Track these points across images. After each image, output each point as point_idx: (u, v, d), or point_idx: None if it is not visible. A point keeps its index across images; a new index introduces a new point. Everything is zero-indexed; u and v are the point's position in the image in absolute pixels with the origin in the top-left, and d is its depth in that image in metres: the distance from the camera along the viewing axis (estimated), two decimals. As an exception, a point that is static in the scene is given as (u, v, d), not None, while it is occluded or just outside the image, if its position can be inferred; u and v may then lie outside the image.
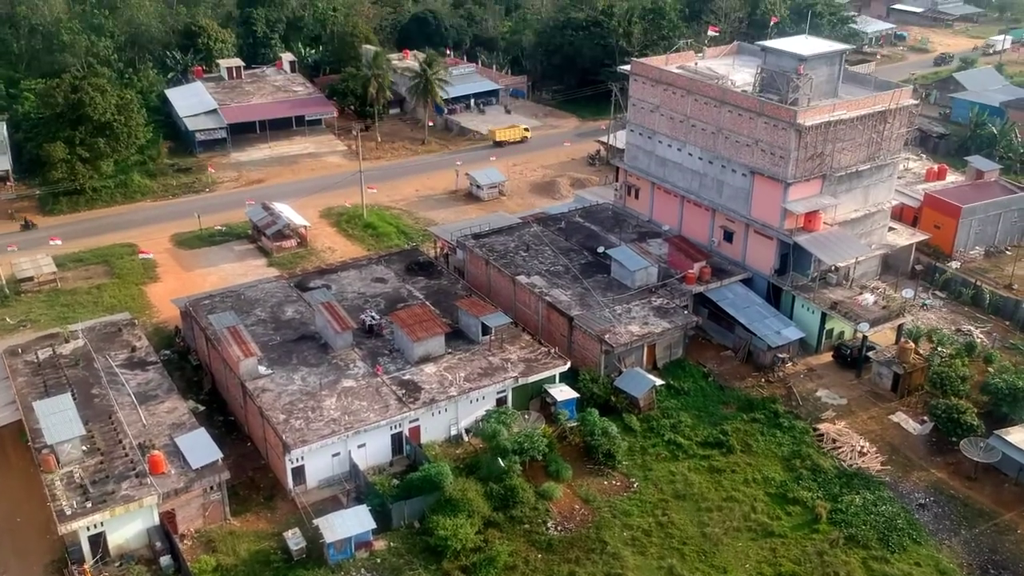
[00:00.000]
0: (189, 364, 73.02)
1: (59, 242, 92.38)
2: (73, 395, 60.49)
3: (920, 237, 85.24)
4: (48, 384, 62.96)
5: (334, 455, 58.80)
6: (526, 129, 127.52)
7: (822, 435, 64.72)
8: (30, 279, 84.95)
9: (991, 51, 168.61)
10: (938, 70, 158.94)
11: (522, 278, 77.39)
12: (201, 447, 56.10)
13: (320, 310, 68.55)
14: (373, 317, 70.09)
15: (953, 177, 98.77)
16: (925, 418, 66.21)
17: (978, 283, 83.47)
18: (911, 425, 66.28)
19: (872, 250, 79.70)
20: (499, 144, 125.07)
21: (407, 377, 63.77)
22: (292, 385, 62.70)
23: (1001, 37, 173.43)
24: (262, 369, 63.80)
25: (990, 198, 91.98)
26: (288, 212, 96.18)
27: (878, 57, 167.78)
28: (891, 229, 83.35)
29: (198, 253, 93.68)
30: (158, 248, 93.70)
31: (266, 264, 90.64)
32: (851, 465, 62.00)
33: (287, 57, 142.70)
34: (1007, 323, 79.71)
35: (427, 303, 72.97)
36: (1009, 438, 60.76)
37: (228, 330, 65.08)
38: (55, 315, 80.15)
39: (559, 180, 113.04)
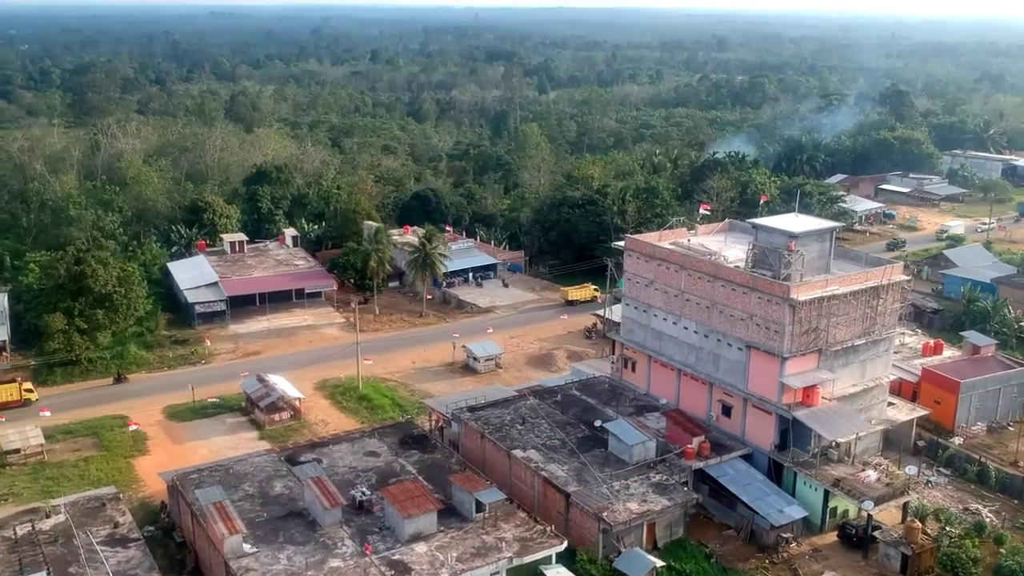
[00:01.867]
0: (173, 541, 70.52)
1: (48, 413, 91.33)
2: (49, 574, 58.06)
3: (920, 412, 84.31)
4: (24, 562, 60.57)
5: (318, 641, 55.91)
6: (596, 289, 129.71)
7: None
8: (17, 451, 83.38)
9: (977, 230, 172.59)
10: (930, 247, 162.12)
11: (518, 452, 75.94)
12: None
13: (309, 485, 66.82)
14: (364, 492, 68.26)
15: (950, 352, 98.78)
16: (938, 603, 63.37)
17: (983, 460, 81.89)
18: (924, 610, 63.38)
19: (872, 425, 78.62)
20: (570, 303, 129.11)
21: (397, 557, 61.40)
22: (277, 565, 60.28)
23: (1014, 215, 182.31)
24: (247, 547, 61.52)
25: (988, 373, 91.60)
26: (283, 384, 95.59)
27: (867, 235, 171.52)
28: (891, 404, 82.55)
29: (190, 426, 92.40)
30: (150, 420, 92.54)
31: (258, 437, 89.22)
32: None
33: (290, 232, 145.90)
34: (1015, 502, 77.61)
35: (420, 478, 71.24)
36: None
37: (214, 506, 63.21)
38: (39, 488, 78.16)
39: (556, 353, 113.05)
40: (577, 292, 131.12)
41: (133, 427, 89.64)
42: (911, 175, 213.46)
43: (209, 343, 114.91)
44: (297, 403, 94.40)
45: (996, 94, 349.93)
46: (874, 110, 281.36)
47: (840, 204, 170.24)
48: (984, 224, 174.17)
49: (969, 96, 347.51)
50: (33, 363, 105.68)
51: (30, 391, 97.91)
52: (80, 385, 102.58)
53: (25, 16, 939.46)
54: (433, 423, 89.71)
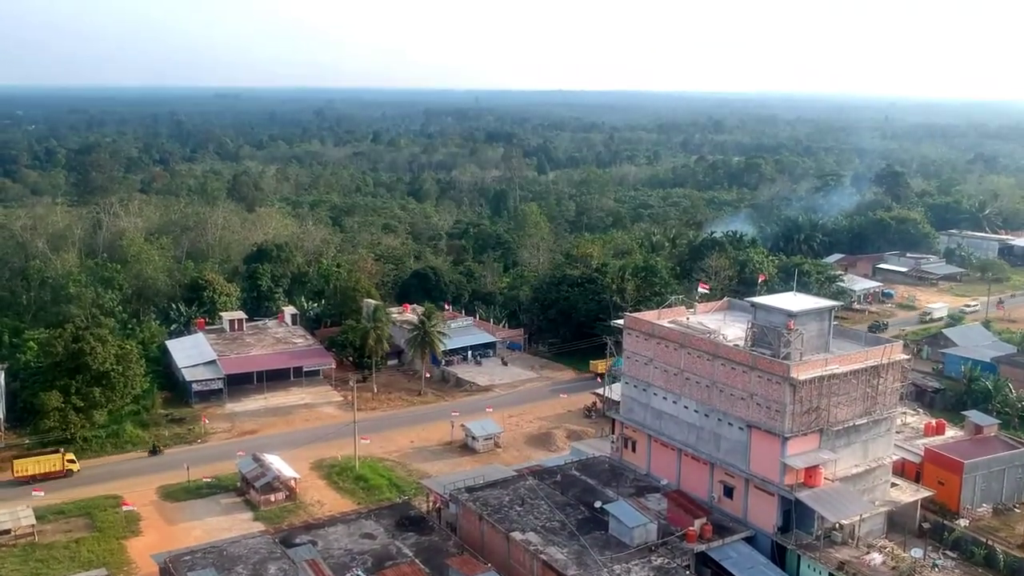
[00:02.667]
0: (163, 626, 68.94)
1: (42, 493, 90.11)
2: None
3: (924, 493, 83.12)
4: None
5: None
6: None
7: None
8: (7, 532, 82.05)
9: (962, 311, 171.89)
10: (928, 326, 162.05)
11: (516, 534, 74.66)
12: None
13: (304, 568, 65.57)
14: (359, 576, 66.99)
15: (952, 432, 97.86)
16: None
17: (990, 543, 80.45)
18: None
19: (876, 507, 77.46)
20: (599, 375, 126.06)
21: (393, 642, 59.89)
22: (269, 651, 58.74)
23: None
24: (239, 633, 60.04)
25: (992, 453, 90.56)
26: (279, 464, 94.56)
27: (866, 314, 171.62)
28: (894, 485, 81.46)
29: (184, 506, 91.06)
30: (144, 500, 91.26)
31: (252, 518, 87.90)
32: None
33: (289, 310, 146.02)
34: (1024, 586, 75.96)
35: (417, 562, 69.91)
36: None
37: (206, 589, 61.90)
38: (28, 571, 76.74)
39: (555, 432, 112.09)
40: (605, 366, 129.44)
41: (127, 508, 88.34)
42: (908, 254, 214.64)
43: (206, 422, 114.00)
44: (293, 483, 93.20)
45: (990, 175, 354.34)
46: (870, 190, 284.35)
47: (838, 283, 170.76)
48: (968, 306, 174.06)
49: (963, 177, 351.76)
50: (27, 441, 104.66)
51: (72, 462, 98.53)
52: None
53: (33, 97, 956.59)
54: (431, 504, 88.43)
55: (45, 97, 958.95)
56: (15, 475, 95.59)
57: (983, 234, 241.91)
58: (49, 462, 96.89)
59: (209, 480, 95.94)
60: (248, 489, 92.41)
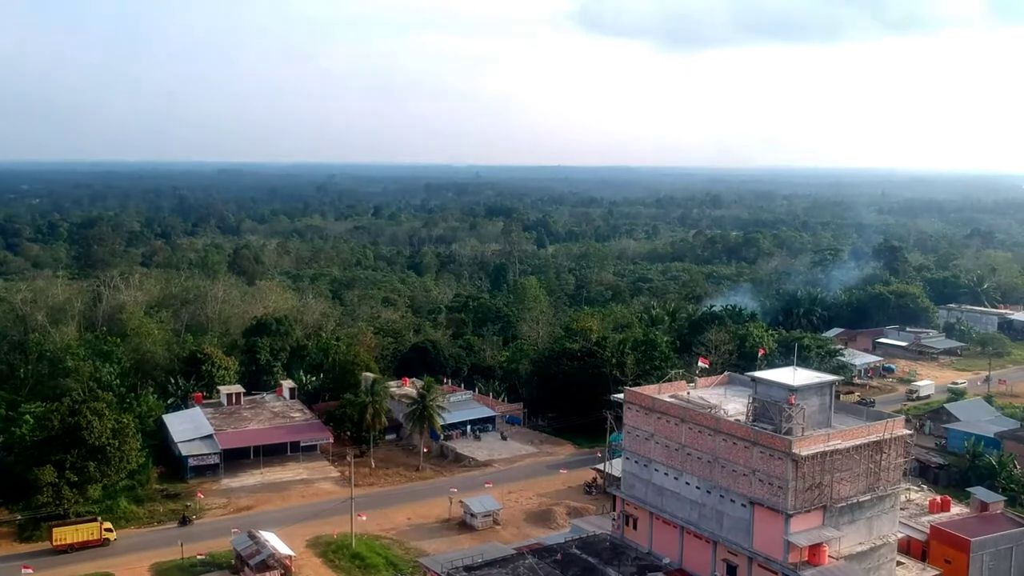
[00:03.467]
0: None
1: (31, 571, 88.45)
2: None
3: (931, 572, 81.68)
4: None
5: None
6: None
7: None
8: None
9: (949, 388, 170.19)
10: (929, 401, 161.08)
11: (516, 615, 73.11)
12: None
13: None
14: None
15: (957, 509, 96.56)
16: None
17: (999, 623, 78.78)
18: None
19: (883, 586, 76.04)
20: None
21: None
22: None
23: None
24: None
25: (998, 531, 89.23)
26: (274, 541, 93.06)
27: (867, 388, 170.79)
28: (900, 563, 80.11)
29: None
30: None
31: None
32: None
33: (287, 384, 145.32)
34: (1036, 669, 74.14)
35: (414, 642, 68.28)
36: None
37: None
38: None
39: (555, 509, 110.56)
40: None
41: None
42: (908, 329, 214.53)
43: (201, 497, 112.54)
44: (288, 561, 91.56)
45: (987, 249, 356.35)
46: (868, 265, 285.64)
47: (839, 358, 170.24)
48: (956, 383, 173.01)
49: (961, 251, 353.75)
50: (19, 518, 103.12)
51: (109, 531, 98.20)
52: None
53: (38, 172, 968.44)
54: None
55: (50, 173, 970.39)
56: (54, 544, 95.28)
57: (982, 308, 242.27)
58: (87, 530, 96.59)
59: (203, 557, 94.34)
60: (243, 567, 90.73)
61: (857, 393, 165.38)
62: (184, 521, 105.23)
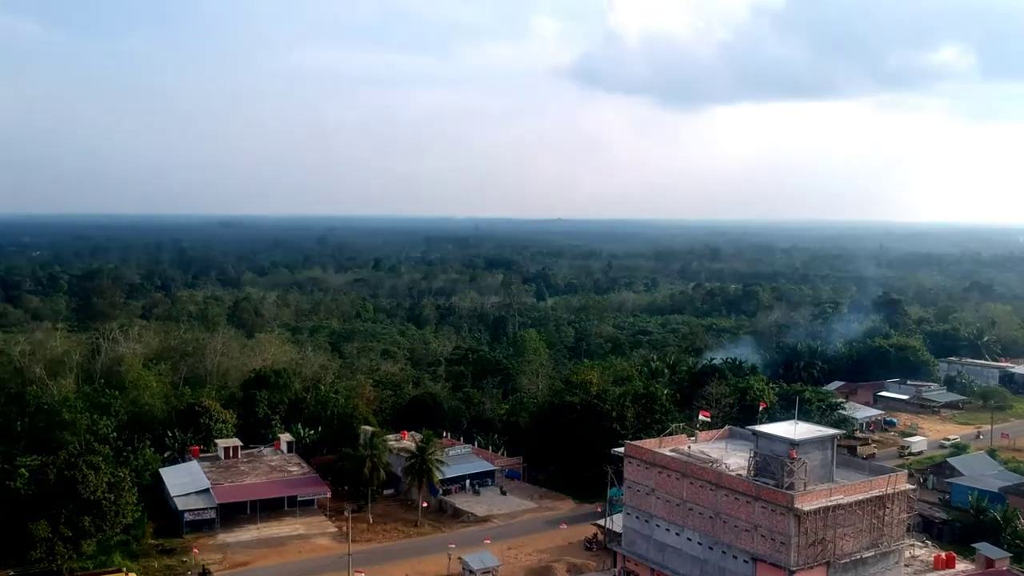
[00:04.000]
0: None
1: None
2: None
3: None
4: None
5: None
6: None
7: None
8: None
9: (941, 445, 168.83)
10: (933, 454, 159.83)
11: (515, 674, 71.81)
12: None
13: None
14: None
15: (962, 565, 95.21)
16: None
17: None
18: None
19: (888, 645, 74.81)
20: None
21: None
22: None
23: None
24: None
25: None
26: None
27: (869, 442, 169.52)
28: (906, 622, 78.91)
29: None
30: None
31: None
32: None
33: (285, 438, 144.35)
34: None
35: None
36: None
37: None
38: None
39: (555, 566, 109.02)
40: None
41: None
42: (909, 382, 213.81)
43: (197, 552, 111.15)
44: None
45: (987, 302, 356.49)
46: (868, 318, 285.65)
47: (840, 411, 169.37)
48: (948, 439, 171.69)
49: (960, 304, 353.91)
50: (12, 573, 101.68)
51: None
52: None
53: (40, 224, 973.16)
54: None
55: (52, 224, 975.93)
56: None
57: (983, 362, 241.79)
58: None
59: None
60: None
61: (873, 446, 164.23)
62: (204, 574, 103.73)
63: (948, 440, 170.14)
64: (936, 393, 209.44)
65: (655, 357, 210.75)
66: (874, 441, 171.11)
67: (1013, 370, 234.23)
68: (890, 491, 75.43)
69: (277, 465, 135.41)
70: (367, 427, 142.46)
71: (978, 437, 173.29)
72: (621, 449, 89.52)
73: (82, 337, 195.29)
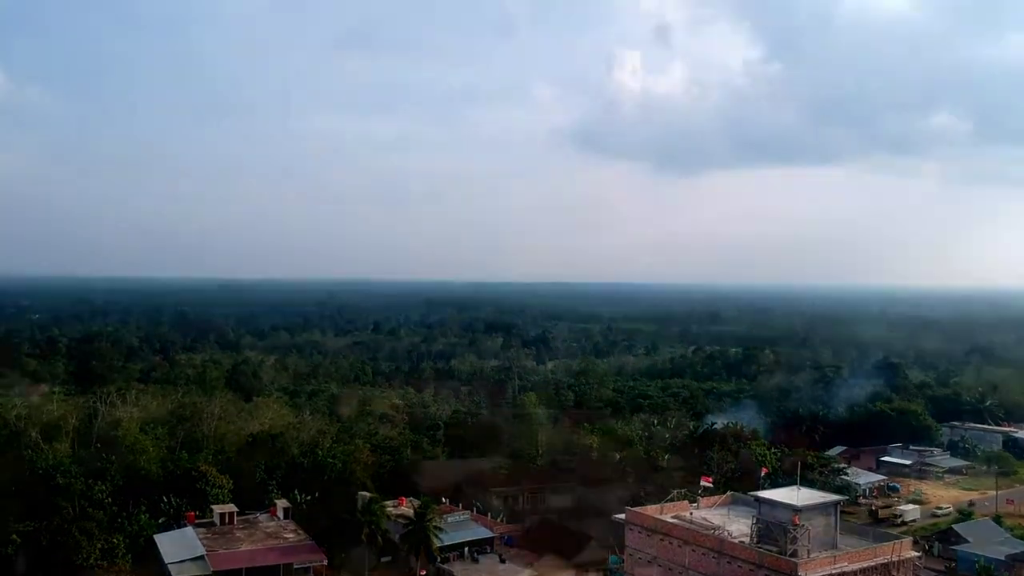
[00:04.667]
0: None
1: None
2: None
3: None
4: None
5: None
6: None
7: None
8: None
9: (934, 513, 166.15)
10: (936, 521, 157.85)
11: None
12: None
13: None
14: None
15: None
16: None
17: None
18: None
19: None
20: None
21: None
22: None
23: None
24: None
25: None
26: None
27: (873, 508, 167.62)
28: None
29: None
30: None
31: None
32: None
33: (281, 503, 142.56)
34: None
35: None
36: None
37: None
38: None
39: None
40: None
41: None
42: (911, 447, 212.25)
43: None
44: None
45: (988, 366, 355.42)
46: (869, 382, 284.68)
47: (842, 477, 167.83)
48: (940, 508, 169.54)
49: (961, 368, 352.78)
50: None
51: None
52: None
53: (40, 287, 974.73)
54: None
55: (51, 287, 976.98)
56: None
57: (986, 426, 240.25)
58: None
59: None
60: None
61: (893, 508, 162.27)
62: None
63: (940, 510, 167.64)
64: (939, 458, 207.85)
65: (655, 421, 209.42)
66: (877, 507, 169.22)
67: (1017, 435, 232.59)
68: (895, 558, 74.33)
69: (273, 532, 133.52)
70: (365, 492, 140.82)
71: (970, 505, 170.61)
72: (622, 516, 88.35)
73: (79, 400, 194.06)
